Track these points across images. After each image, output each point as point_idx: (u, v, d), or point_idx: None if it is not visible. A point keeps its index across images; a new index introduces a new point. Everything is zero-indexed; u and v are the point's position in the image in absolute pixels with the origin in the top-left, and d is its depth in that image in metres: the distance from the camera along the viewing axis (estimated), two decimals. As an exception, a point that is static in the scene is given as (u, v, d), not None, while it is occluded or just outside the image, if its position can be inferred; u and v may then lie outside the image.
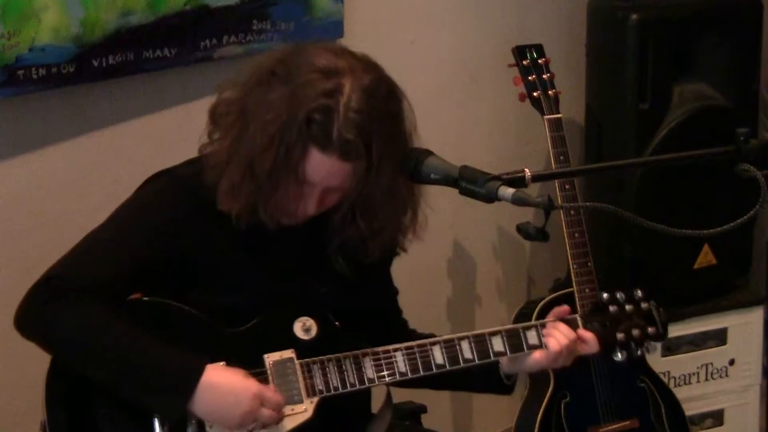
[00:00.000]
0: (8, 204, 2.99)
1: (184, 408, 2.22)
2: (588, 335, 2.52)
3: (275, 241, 2.34)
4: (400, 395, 2.93)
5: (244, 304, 2.34)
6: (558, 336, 2.46)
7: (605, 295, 2.62)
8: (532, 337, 2.48)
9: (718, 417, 3.91)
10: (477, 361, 2.43)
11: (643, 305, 2.62)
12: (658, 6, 3.65)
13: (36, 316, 2.24)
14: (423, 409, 2.95)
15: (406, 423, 2.83)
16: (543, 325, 2.50)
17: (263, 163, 2.20)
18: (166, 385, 2.22)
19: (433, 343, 2.42)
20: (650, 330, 2.60)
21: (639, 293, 2.63)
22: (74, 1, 2.89)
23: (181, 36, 3.11)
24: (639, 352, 2.61)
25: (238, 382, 2.25)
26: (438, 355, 2.41)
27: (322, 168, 2.21)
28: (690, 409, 3.69)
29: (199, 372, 2.22)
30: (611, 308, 2.59)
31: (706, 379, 3.86)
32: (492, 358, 2.45)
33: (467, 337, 2.44)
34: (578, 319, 2.55)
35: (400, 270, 3.68)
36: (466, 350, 2.43)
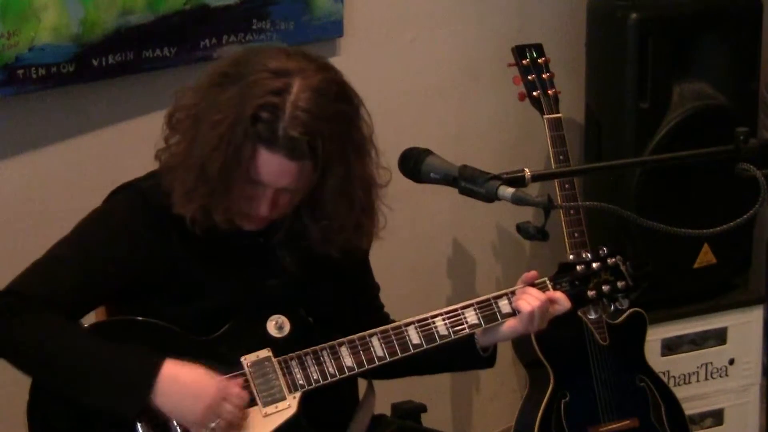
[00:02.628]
0: (8, 203, 2.99)
1: (145, 402, 2.21)
2: (558, 294, 2.51)
3: (242, 245, 2.36)
4: (399, 395, 2.93)
5: (216, 310, 2.35)
6: (528, 298, 2.46)
7: (571, 256, 2.62)
8: (504, 306, 2.48)
9: (717, 416, 3.91)
10: (453, 337, 2.44)
11: (610, 261, 2.61)
12: (658, 5, 3.65)
13: None
14: (423, 408, 2.95)
15: (406, 422, 2.83)
16: (513, 293, 2.50)
17: (213, 164, 2.22)
18: (126, 381, 2.23)
19: (408, 324, 2.43)
20: (620, 284, 2.60)
21: (604, 250, 2.61)
22: (74, 1, 2.89)
23: (181, 35, 3.11)
24: (612, 308, 2.61)
25: (200, 376, 2.26)
26: (414, 335, 2.42)
27: (270, 167, 2.22)
28: (690, 409, 3.70)
29: (158, 365, 2.22)
30: (578, 267, 2.58)
31: (706, 379, 3.86)
32: (467, 331, 2.46)
33: (441, 314, 2.45)
34: (547, 281, 2.54)
35: (401, 269, 3.70)
36: (441, 327, 2.44)
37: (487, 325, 2.47)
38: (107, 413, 2.25)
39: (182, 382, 2.23)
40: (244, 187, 2.26)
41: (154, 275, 2.33)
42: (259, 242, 2.39)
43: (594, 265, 2.59)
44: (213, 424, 2.25)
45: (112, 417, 2.25)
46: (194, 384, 2.24)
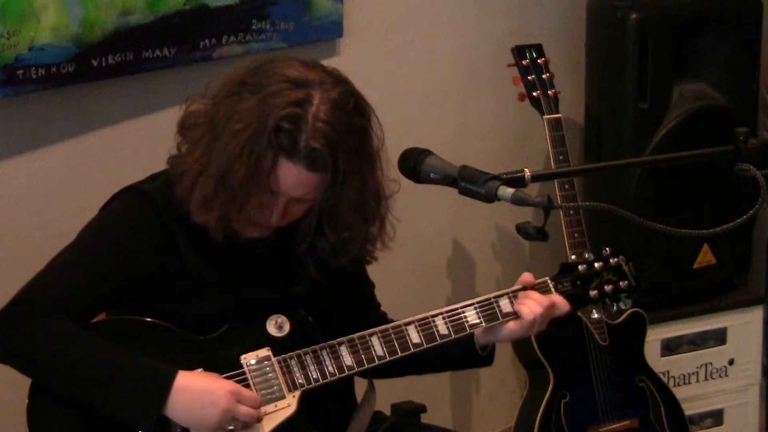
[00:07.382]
0: (8, 204, 2.99)
1: (158, 414, 2.22)
2: (558, 299, 2.51)
3: (245, 247, 2.37)
4: (399, 395, 2.93)
5: (216, 311, 2.35)
6: (530, 304, 2.46)
7: (573, 256, 2.63)
8: (505, 305, 2.49)
9: (717, 417, 3.91)
10: (453, 336, 2.45)
11: (612, 261, 2.61)
12: (658, 5, 3.65)
13: (4, 340, 2.24)
14: (422, 408, 2.95)
15: (403, 419, 2.83)
16: (514, 294, 2.50)
17: (235, 173, 2.23)
18: (139, 393, 2.23)
19: (408, 323, 2.44)
20: (622, 284, 2.60)
21: (607, 250, 2.62)
22: (74, 1, 2.89)
23: (181, 36, 3.11)
24: (615, 308, 2.62)
25: (212, 382, 2.26)
26: (414, 335, 2.43)
27: (290, 177, 2.24)
28: (689, 409, 3.70)
29: (171, 377, 2.23)
30: (581, 267, 2.58)
31: (706, 379, 3.86)
32: (468, 331, 2.46)
33: (441, 314, 2.46)
34: (549, 281, 2.55)
35: (401, 269, 3.70)
36: (441, 326, 2.44)
37: (488, 325, 2.47)
38: (122, 423, 2.25)
39: (194, 391, 2.23)
40: (263, 196, 2.27)
41: (158, 276, 2.33)
42: (264, 247, 2.39)
43: (596, 265, 2.59)
44: (231, 427, 2.26)
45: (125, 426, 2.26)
46: (207, 392, 2.24)
